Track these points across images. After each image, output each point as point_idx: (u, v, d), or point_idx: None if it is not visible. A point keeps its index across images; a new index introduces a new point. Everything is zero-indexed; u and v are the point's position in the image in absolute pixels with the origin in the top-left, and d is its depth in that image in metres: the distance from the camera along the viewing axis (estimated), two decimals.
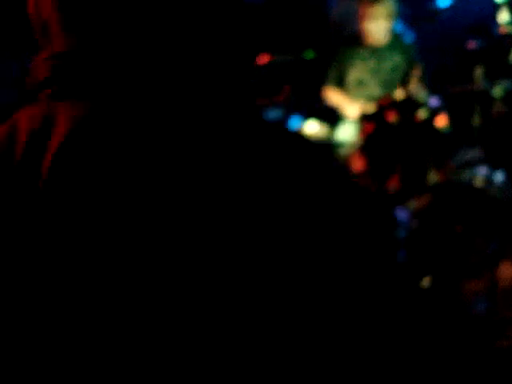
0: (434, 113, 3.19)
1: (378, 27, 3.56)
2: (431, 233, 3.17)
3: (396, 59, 3.68)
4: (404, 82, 3.57)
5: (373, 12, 3.52)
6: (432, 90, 3.56)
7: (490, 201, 3.34)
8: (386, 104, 3.20)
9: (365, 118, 3.23)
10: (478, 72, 3.49)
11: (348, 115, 3.56)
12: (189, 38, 0.74)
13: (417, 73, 3.64)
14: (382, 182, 3.14)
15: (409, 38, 4.00)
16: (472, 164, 3.53)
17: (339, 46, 3.74)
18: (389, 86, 3.68)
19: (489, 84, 3.48)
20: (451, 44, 4.22)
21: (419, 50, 3.82)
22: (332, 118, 3.59)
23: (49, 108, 0.73)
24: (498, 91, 3.43)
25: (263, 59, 3.98)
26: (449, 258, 3.11)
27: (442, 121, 3.20)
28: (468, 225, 3.20)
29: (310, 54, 4.37)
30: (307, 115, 3.58)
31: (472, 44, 3.71)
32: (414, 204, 3.12)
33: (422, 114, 3.17)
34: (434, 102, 3.25)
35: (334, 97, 3.73)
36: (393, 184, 3.12)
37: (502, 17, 3.50)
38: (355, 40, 3.68)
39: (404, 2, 4.20)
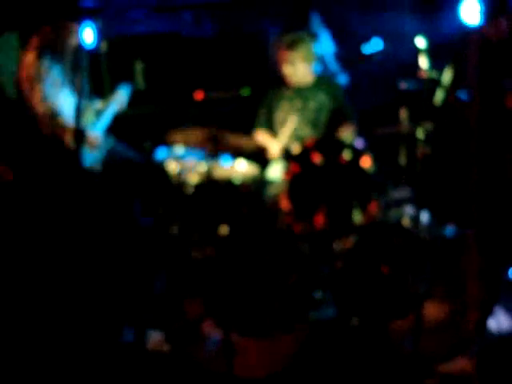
0: (359, 154, 3.26)
1: (296, 71, 3.69)
2: (357, 273, 3.21)
3: (321, 99, 3.80)
4: (330, 122, 3.67)
5: (289, 57, 3.65)
6: (359, 131, 3.66)
7: (416, 241, 3.40)
8: (311, 145, 3.27)
9: (290, 159, 3.28)
10: (404, 114, 3.61)
11: (273, 155, 3.64)
12: None
13: (344, 114, 3.74)
14: (307, 220, 3.18)
15: (342, 78, 4.11)
16: (399, 203, 3.61)
17: (270, 86, 3.84)
18: (314, 125, 3.79)
19: (413, 126, 3.59)
20: (382, 85, 4.35)
21: (350, 90, 3.93)
22: (262, 157, 3.64)
23: None
24: (421, 133, 3.53)
25: (199, 95, 4.03)
26: (375, 297, 3.14)
27: (366, 162, 3.27)
28: (395, 265, 3.25)
29: (246, 91, 4.43)
30: (237, 154, 3.62)
31: (403, 85, 3.83)
32: (339, 244, 3.15)
33: (346, 155, 3.24)
34: (359, 143, 3.33)
35: (260, 136, 3.82)
36: (318, 224, 3.16)
37: (422, 62, 3.64)
38: (282, 81, 3.79)
39: (337, 44, 4.33)
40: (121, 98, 4.10)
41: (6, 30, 4.26)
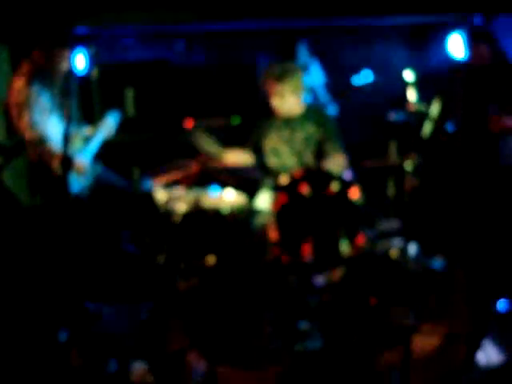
0: (347, 185, 3.26)
1: (284, 103, 3.70)
2: (344, 305, 3.19)
3: (309, 130, 3.81)
4: (319, 153, 3.68)
5: (278, 89, 3.66)
6: (348, 162, 3.67)
7: (404, 273, 3.39)
8: (299, 176, 3.26)
9: (278, 190, 3.27)
10: (392, 146, 3.63)
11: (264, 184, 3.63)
12: None
13: (333, 144, 3.75)
14: (294, 251, 3.16)
15: (331, 109, 4.13)
16: (387, 235, 3.61)
17: (259, 115, 3.85)
18: (302, 155, 3.79)
19: (401, 158, 3.60)
20: (371, 117, 4.38)
21: (339, 121, 3.94)
22: (250, 186, 3.64)
23: None
24: (409, 165, 3.55)
25: (188, 123, 4.04)
26: (363, 330, 3.12)
27: (354, 193, 3.27)
28: (382, 297, 3.23)
29: (236, 120, 4.44)
30: (225, 183, 3.62)
31: (391, 117, 3.85)
32: (326, 276, 3.14)
33: (334, 186, 3.24)
34: (347, 174, 3.33)
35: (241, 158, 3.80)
36: (305, 255, 3.14)
37: (410, 95, 3.67)
38: (271, 111, 3.79)
39: (327, 75, 4.36)
40: (109, 124, 4.10)
41: None
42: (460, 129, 4.01)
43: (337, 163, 3.65)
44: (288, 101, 3.70)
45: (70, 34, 3.90)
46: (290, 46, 4.52)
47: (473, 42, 3.94)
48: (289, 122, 3.82)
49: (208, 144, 3.74)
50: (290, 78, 3.65)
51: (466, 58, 4.04)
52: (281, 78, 3.66)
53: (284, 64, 3.77)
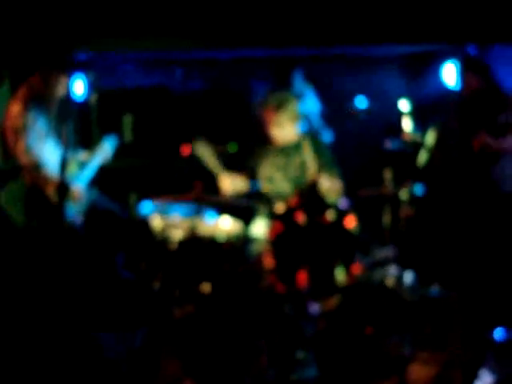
0: (342, 214, 3.26)
1: (283, 131, 3.71)
2: (340, 334, 3.17)
3: (304, 157, 3.82)
4: (314, 180, 3.68)
5: (276, 119, 3.68)
6: (343, 190, 3.67)
7: (400, 302, 3.38)
8: (295, 204, 3.26)
9: (274, 218, 3.27)
10: (388, 175, 3.63)
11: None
12: None
13: (329, 171, 3.76)
14: (289, 280, 3.15)
15: (326, 136, 4.15)
16: (383, 264, 3.60)
17: (255, 143, 3.86)
18: (297, 182, 3.80)
19: (397, 187, 3.61)
20: (366, 145, 4.40)
21: (335, 149, 3.96)
22: (246, 214, 3.63)
23: None
24: (405, 194, 3.55)
25: (186, 150, 4.04)
26: (359, 359, 3.10)
27: (350, 222, 3.27)
28: (378, 326, 3.22)
29: (233, 147, 4.46)
30: (221, 211, 3.61)
31: (387, 145, 3.86)
32: (322, 305, 3.12)
33: (330, 215, 3.24)
34: (343, 203, 3.33)
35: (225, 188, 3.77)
36: (301, 283, 3.13)
37: (406, 125, 3.69)
38: (267, 138, 3.81)
39: (323, 101, 4.38)
40: (106, 150, 4.11)
41: None
42: (454, 156, 4.02)
43: (333, 187, 3.65)
44: (286, 130, 3.72)
45: (68, 60, 3.93)
46: (286, 74, 4.55)
47: (464, 71, 3.98)
48: (284, 150, 3.83)
49: (210, 158, 3.74)
50: (288, 107, 3.67)
51: (458, 86, 4.08)
52: (279, 107, 3.67)
53: (281, 94, 3.79)
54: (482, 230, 3.88)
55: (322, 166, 3.76)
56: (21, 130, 3.70)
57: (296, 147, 3.82)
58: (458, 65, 4.10)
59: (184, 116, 4.90)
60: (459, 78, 4.05)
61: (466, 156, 3.97)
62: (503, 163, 3.89)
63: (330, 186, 3.61)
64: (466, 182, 4.03)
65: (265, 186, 3.87)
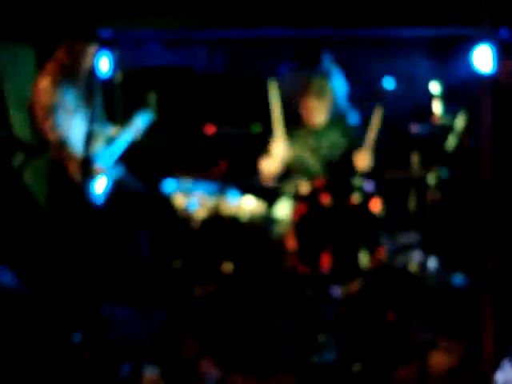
0: (368, 197, 3.22)
1: (320, 117, 3.68)
2: (362, 318, 3.15)
3: (334, 138, 3.79)
4: (342, 162, 3.65)
5: (317, 106, 3.65)
6: (369, 174, 3.62)
7: (423, 288, 3.34)
8: (320, 186, 3.23)
9: (299, 199, 3.24)
10: (415, 158, 3.58)
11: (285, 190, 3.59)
12: None
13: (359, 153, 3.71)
14: (312, 262, 3.13)
15: (353, 118, 4.10)
16: (407, 249, 3.55)
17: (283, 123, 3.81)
18: (327, 164, 3.76)
19: (424, 171, 3.55)
20: (394, 128, 4.34)
21: (362, 131, 3.91)
22: (270, 194, 3.61)
23: None
24: (432, 178, 3.50)
25: (210, 130, 4.02)
26: (380, 344, 3.07)
27: (376, 205, 3.23)
28: (400, 311, 3.19)
29: (256, 128, 4.42)
30: (245, 191, 3.59)
31: (414, 128, 3.80)
32: (344, 289, 3.10)
33: (355, 197, 3.20)
34: (368, 186, 3.29)
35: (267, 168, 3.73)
36: (324, 265, 3.11)
37: (436, 107, 3.62)
38: (297, 119, 3.77)
39: (349, 83, 4.33)
40: (138, 125, 4.06)
41: (21, 43, 4.27)
42: (485, 144, 3.94)
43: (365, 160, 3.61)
44: (323, 114, 3.70)
45: (93, 31, 3.89)
46: (314, 55, 4.50)
47: (501, 56, 3.88)
48: (313, 131, 3.80)
49: (277, 106, 3.71)
50: (328, 94, 3.66)
51: (494, 72, 3.98)
52: (320, 95, 3.66)
53: (320, 80, 3.73)
54: (510, 218, 3.82)
55: (353, 147, 3.72)
56: (50, 106, 3.69)
57: (326, 129, 3.79)
58: (493, 49, 4.00)
59: (208, 95, 4.88)
60: (494, 63, 3.95)
61: (498, 143, 3.89)
62: None
63: (365, 160, 3.56)
64: (495, 169, 3.96)
65: (294, 167, 3.83)
